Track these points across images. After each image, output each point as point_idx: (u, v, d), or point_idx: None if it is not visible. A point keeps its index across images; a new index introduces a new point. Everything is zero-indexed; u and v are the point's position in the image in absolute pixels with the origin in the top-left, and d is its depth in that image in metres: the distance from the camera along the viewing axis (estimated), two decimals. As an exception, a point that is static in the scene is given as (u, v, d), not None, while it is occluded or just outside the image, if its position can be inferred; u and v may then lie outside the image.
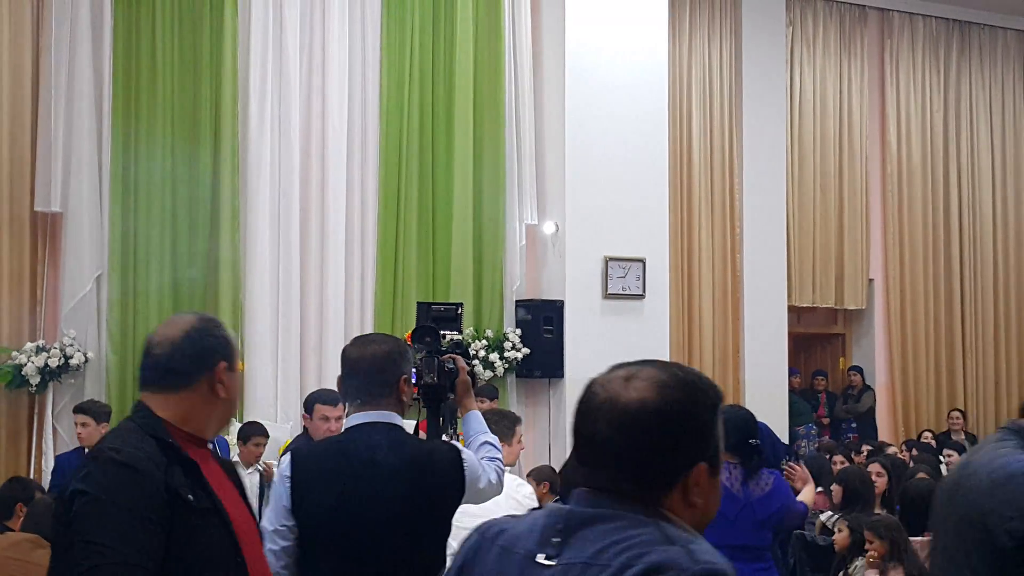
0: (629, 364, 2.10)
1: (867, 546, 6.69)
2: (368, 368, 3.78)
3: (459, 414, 4.33)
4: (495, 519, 2.24)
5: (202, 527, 2.80)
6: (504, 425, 5.44)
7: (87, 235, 9.66)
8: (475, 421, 4.19)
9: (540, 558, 2.02)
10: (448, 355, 4.29)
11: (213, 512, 2.84)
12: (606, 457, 2.01)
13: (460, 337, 4.72)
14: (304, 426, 6.69)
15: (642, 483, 1.99)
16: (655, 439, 1.98)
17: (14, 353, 9.29)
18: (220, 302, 10.11)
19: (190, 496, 2.78)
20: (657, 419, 1.99)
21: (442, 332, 4.52)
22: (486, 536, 2.19)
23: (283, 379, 10.22)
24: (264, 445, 8.43)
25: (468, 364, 4.33)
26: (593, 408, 2.04)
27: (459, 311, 4.68)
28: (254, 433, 8.51)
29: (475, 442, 4.08)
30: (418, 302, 5.04)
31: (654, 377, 2.03)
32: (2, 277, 9.46)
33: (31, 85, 9.66)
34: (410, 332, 4.56)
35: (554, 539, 2.02)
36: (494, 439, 4.13)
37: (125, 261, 9.87)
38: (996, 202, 14.91)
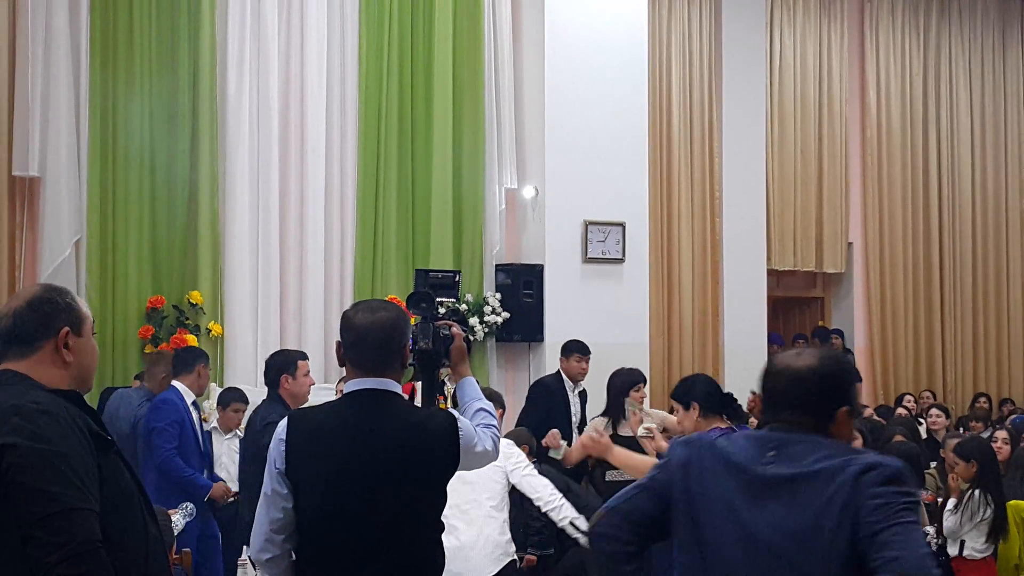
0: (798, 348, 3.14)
1: None
2: (379, 335, 3.76)
3: (454, 380, 4.31)
4: (700, 435, 3.31)
5: (115, 464, 2.99)
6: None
7: (65, 200, 9.60)
8: (470, 387, 4.16)
9: (764, 462, 2.98)
10: (444, 321, 4.29)
11: (117, 450, 3.03)
12: (788, 403, 3.02)
13: (457, 303, 4.71)
14: (279, 392, 6.59)
15: (814, 418, 3.00)
16: (818, 390, 3.01)
17: (-9, 317, 9.24)
18: (199, 267, 10.10)
19: (109, 436, 2.98)
20: (818, 377, 3.01)
21: (439, 299, 4.51)
22: (698, 447, 3.13)
23: (263, 345, 10.20)
24: (243, 411, 8.43)
25: (464, 331, 4.32)
26: (775, 372, 3.07)
27: (457, 278, 4.70)
28: (234, 399, 8.52)
29: (470, 408, 4.06)
30: (416, 269, 5.04)
31: (815, 353, 3.08)
32: (-20, 242, 9.42)
33: (7, 48, 9.56)
34: (405, 298, 4.56)
35: (770, 452, 2.98)
36: (489, 405, 4.10)
37: (104, 226, 9.84)
38: (975, 166, 14.97)
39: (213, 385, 9.78)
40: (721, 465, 3.04)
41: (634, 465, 5.70)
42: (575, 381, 9.46)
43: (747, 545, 2.93)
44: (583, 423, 9.12)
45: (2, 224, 9.55)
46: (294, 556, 3.75)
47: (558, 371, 9.55)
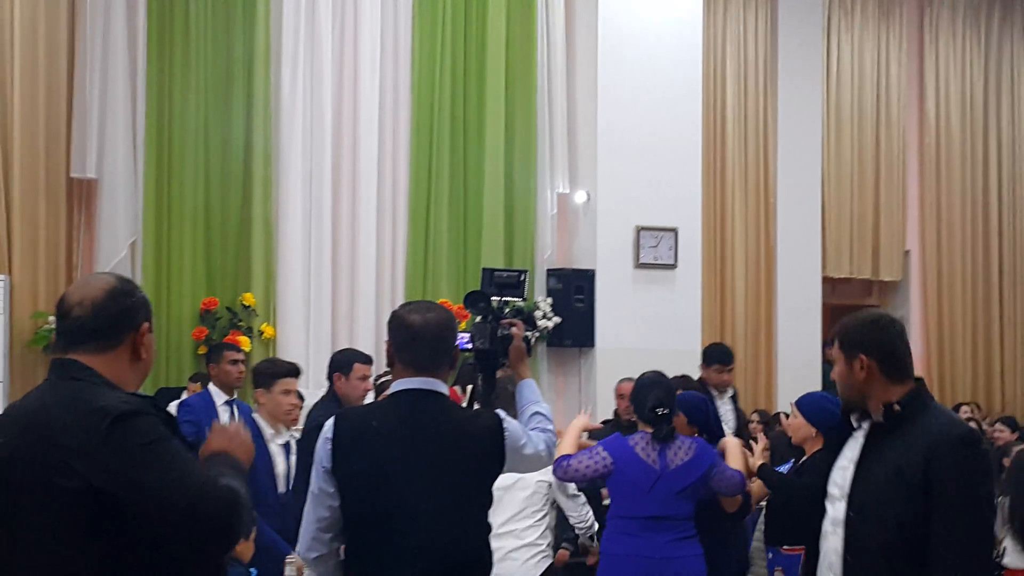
0: None
1: None
2: (433, 335, 3.75)
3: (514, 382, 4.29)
4: None
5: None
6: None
7: (122, 201, 9.74)
8: (528, 390, 4.15)
9: None
10: (506, 320, 4.27)
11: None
12: None
13: (523, 303, 4.70)
14: (334, 389, 6.58)
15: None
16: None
17: (51, 318, 9.37)
18: (253, 268, 10.19)
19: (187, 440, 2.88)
20: None
21: (504, 299, 4.51)
22: None
23: (314, 347, 10.28)
24: (299, 408, 8.43)
25: (529, 331, 4.29)
26: None
27: (522, 277, 4.66)
28: (290, 396, 8.49)
29: (526, 412, 4.05)
30: (483, 268, 5.02)
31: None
32: (38, 243, 9.53)
33: (66, 52, 9.72)
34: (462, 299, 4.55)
35: None
36: (546, 409, 4.09)
37: (159, 227, 9.96)
38: (1035, 172, 14.74)
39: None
40: None
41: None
42: (719, 390, 8.68)
43: None
44: (741, 430, 8.50)
45: (60, 225, 9.68)
46: (342, 555, 3.75)
47: (700, 378, 8.64)
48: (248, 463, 2.99)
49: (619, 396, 8.25)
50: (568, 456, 5.58)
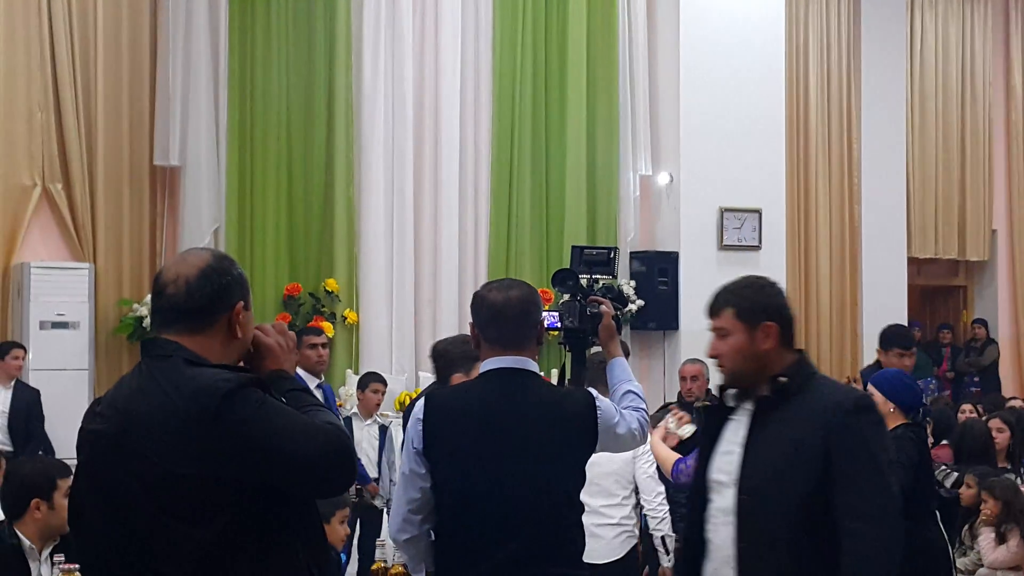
0: None
1: (982, 506, 6.57)
2: (515, 313, 3.68)
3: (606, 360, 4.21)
4: None
5: None
6: None
7: (205, 189, 9.77)
8: (619, 369, 4.04)
9: None
10: (593, 298, 4.20)
11: None
12: None
13: (614, 280, 4.61)
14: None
15: None
16: None
17: (135, 305, 9.43)
18: (335, 254, 10.19)
19: None
20: None
21: (594, 276, 4.45)
22: None
23: (397, 331, 10.28)
24: (382, 393, 8.45)
25: (618, 309, 4.21)
26: None
27: (612, 255, 4.59)
28: (372, 380, 8.51)
29: (619, 391, 3.95)
30: (573, 246, 4.95)
31: None
32: (123, 231, 9.61)
33: (149, 42, 9.77)
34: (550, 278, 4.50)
35: None
36: (639, 388, 3.99)
37: (242, 214, 9.98)
38: None
39: (349, 371, 9.87)
40: None
41: None
42: None
43: None
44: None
45: (143, 213, 9.75)
46: (433, 536, 3.70)
47: (876, 362, 7.51)
48: (294, 370, 2.93)
49: (683, 378, 8.07)
50: (684, 459, 5.11)
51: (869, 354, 12.28)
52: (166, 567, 2.59)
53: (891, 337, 7.49)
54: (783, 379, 3.43)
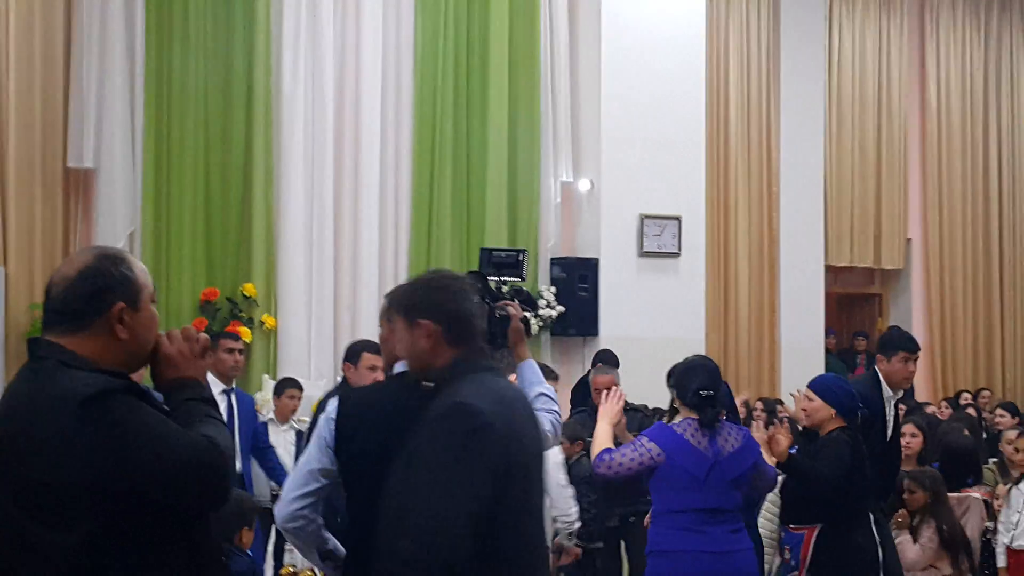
0: None
1: (907, 496, 6.63)
2: None
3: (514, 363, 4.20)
4: None
5: None
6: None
7: (120, 191, 9.64)
8: (529, 371, 4.07)
9: None
10: (503, 302, 4.18)
11: None
12: None
13: (522, 283, 4.59)
14: (344, 376, 6.53)
15: None
16: None
17: (47, 309, 9.25)
18: (253, 259, 10.08)
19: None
20: None
21: (503, 278, 4.42)
22: None
23: (316, 337, 10.19)
24: (299, 399, 8.38)
25: (528, 310, 4.19)
26: None
27: (521, 257, 4.57)
28: (288, 386, 8.46)
29: (530, 393, 3.94)
30: (481, 248, 4.93)
31: None
32: (35, 233, 9.43)
33: (63, 41, 9.61)
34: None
35: None
36: (550, 390, 4.03)
37: (158, 218, 9.85)
38: (1036, 162, 14.70)
39: (266, 377, 9.76)
40: None
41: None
42: (897, 388, 6.60)
43: None
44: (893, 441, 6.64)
45: (56, 216, 9.58)
46: (321, 521, 3.70)
47: (873, 371, 6.63)
48: (203, 377, 2.84)
49: (596, 390, 8.04)
50: (610, 450, 5.16)
51: (787, 360, 12.46)
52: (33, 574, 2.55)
53: (896, 340, 6.69)
54: (428, 384, 3.30)
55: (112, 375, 2.64)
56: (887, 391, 6.39)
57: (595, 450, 5.19)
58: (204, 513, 2.75)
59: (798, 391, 6.05)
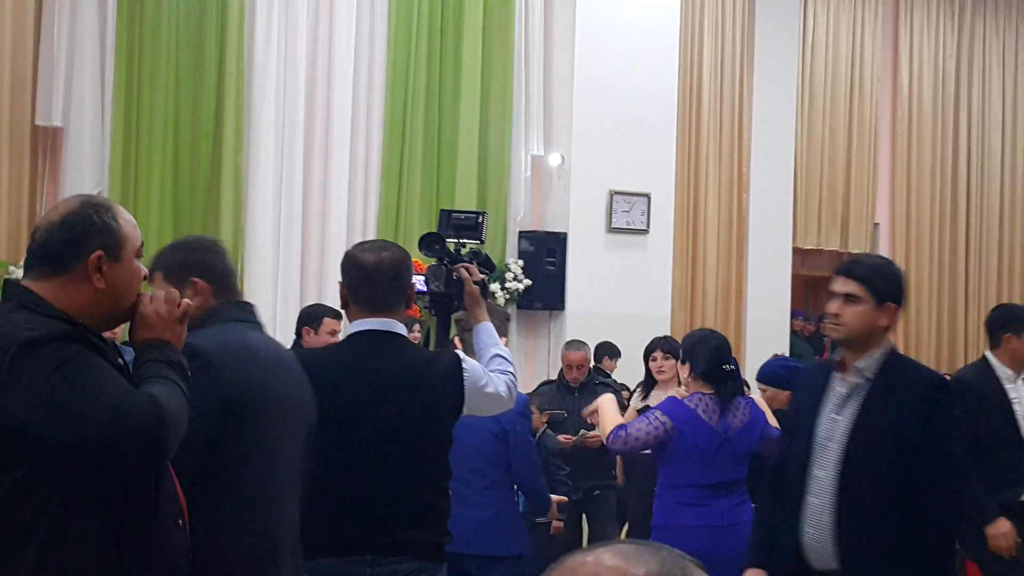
0: None
1: None
2: (388, 274, 3.69)
3: (471, 325, 4.21)
4: None
5: None
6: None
7: (88, 151, 9.56)
8: (485, 334, 4.06)
9: None
10: (460, 264, 4.18)
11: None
12: None
13: (481, 245, 4.59)
14: (302, 342, 6.53)
15: None
16: None
17: (11, 268, 9.20)
18: (221, 223, 10.03)
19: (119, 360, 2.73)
20: None
21: (462, 240, 4.43)
22: None
23: (282, 303, 10.16)
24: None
25: (486, 273, 4.21)
26: None
27: (480, 219, 4.57)
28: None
29: (486, 355, 3.98)
30: (440, 209, 4.92)
31: None
32: (1, 191, 9.36)
33: (34, -1, 9.53)
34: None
35: None
36: (506, 352, 4.03)
37: (126, 178, 9.78)
38: (1005, 151, 14.78)
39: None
40: None
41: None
42: (1021, 367, 6.04)
43: None
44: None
45: (24, 174, 9.51)
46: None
47: (983, 358, 6.15)
48: (177, 341, 2.80)
49: (568, 366, 8.08)
50: (624, 425, 5.23)
51: (752, 340, 12.51)
52: None
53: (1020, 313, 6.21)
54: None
55: (66, 322, 2.60)
56: (1005, 372, 6.00)
57: (606, 428, 5.26)
58: (141, 475, 2.66)
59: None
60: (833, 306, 3.93)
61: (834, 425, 3.90)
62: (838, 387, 3.97)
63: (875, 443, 3.81)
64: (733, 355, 5.61)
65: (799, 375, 5.64)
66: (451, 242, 4.36)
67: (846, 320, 3.90)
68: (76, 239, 2.66)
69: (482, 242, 4.59)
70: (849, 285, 3.90)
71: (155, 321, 2.74)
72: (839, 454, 3.85)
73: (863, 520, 3.77)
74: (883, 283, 3.91)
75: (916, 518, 3.74)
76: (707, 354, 5.24)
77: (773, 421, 5.45)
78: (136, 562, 2.62)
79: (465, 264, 4.18)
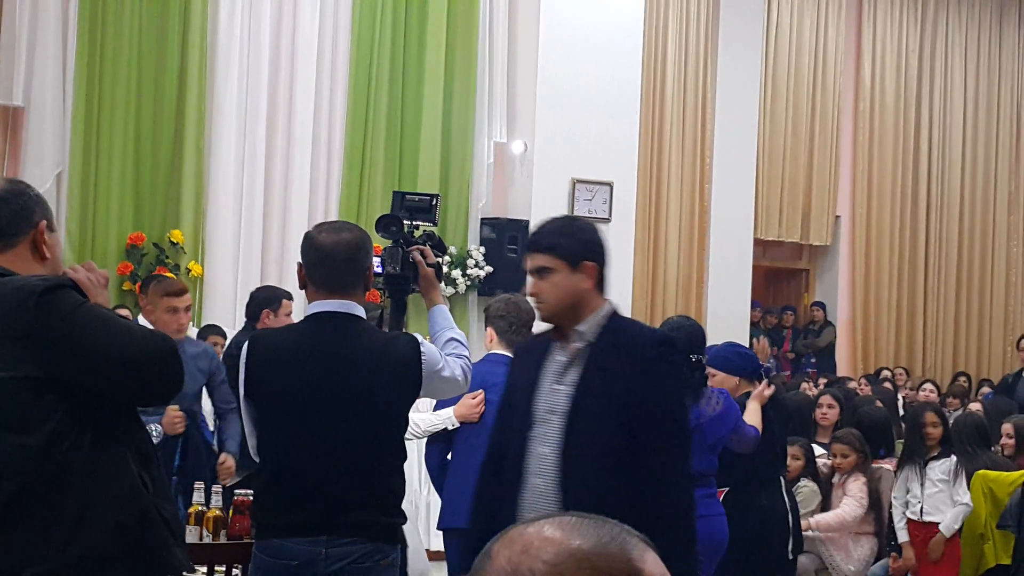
0: None
1: (837, 461, 6.84)
2: (345, 255, 3.68)
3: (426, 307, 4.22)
4: None
5: None
6: None
7: (49, 131, 9.49)
8: (440, 316, 4.06)
9: None
10: (414, 247, 4.19)
11: None
12: None
13: (435, 227, 4.60)
14: (258, 325, 6.52)
15: None
16: None
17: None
18: (182, 205, 10.01)
19: None
20: None
21: (415, 223, 4.42)
22: None
23: (243, 287, 10.09)
24: (222, 345, 8.35)
25: (439, 255, 4.21)
26: None
27: (434, 202, 4.56)
28: (211, 332, 8.45)
29: (441, 338, 3.97)
30: (393, 191, 4.92)
31: None
32: (-41, 170, 9.32)
33: (-5, -24, 9.47)
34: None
35: None
36: (461, 336, 4.02)
37: (87, 159, 9.72)
38: (966, 145, 14.91)
39: (191, 326, 9.71)
40: None
41: None
42: None
43: None
44: None
45: (-17, 153, 9.45)
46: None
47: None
48: (107, 305, 2.99)
49: None
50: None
51: (712, 330, 12.33)
52: None
53: None
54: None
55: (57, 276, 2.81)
56: None
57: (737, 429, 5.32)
58: (163, 400, 3.00)
59: None
60: (529, 286, 3.65)
61: (555, 396, 3.57)
62: (558, 356, 3.63)
63: (599, 408, 3.52)
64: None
65: (745, 360, 5.70)
66: (405, 224, 4.37)
67: (545, 296, 3.59)
68: (22, 212, 2.83)
69: (435, 224, 4.59)
70: (536, 259, 3.61)
71: (89, 286, 2.88)
72: (562, 426, 3.53)
73: (591, 498, 3.36)
74: (571, 244, 3.61)
75: (645, 494, 3.46)
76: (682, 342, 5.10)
77: (754, 420, 5.47)
78: (157, 487, 2.82)
79: (420, 247, 4.18)
